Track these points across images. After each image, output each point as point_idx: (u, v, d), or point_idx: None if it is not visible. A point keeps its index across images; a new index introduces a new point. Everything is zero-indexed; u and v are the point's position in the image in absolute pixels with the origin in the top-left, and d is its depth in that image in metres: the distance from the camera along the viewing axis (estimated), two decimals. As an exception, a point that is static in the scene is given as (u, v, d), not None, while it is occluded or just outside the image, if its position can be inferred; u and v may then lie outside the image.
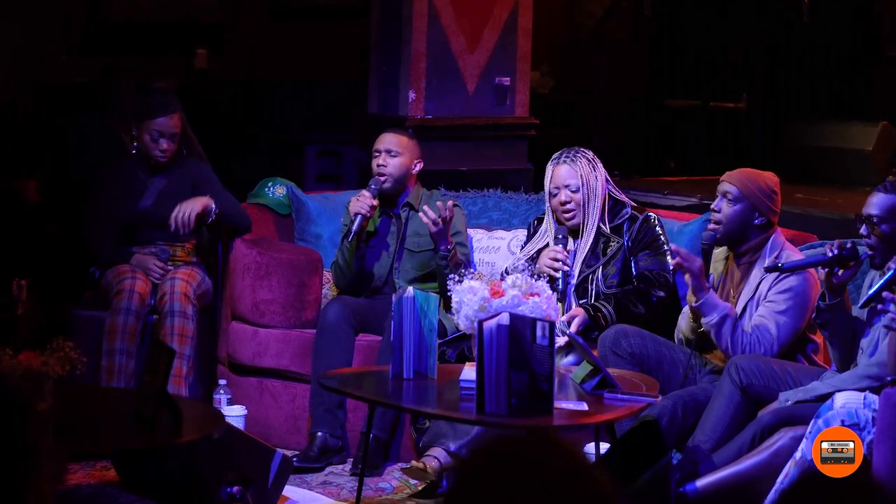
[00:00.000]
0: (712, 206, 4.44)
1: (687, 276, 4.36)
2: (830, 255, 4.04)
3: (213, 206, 5.02)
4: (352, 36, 7.67)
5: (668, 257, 4.76)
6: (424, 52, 5.85)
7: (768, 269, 4.26)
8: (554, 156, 4.83)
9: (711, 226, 4.44)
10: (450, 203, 4.90)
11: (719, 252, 4.55)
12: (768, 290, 4.35)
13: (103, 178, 5.22)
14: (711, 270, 4.50)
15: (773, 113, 8.53)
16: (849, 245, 4.06)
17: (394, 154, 5.03)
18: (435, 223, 4.82)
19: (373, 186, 4.99)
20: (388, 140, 5.06)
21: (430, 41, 5.84)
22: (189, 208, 4.97)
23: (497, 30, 5.95)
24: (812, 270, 4.29)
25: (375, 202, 4.96)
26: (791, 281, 4.31)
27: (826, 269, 4.05)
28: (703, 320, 4.32)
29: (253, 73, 8.11)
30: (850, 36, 8.54)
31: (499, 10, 5.94)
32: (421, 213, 4.92)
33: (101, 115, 6.81)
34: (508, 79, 5.99)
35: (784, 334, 4.31)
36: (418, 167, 5.09)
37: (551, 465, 1.72)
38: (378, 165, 5.02)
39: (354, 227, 4.92)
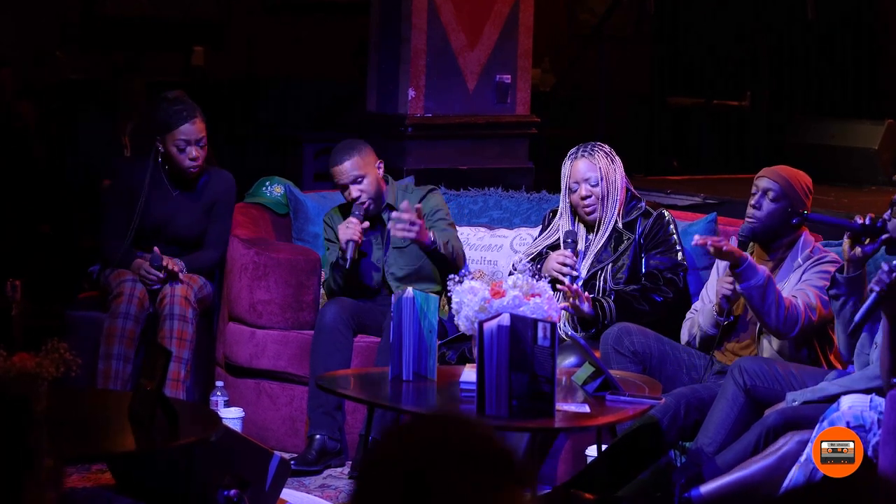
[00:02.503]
0: (752, 203, 4.41)
1: (726, 256, 4.29)
2: (860, 222, 4.01)
3: (184, 270, 4.97)
4: (350, 33, 7.64)
5: (680, 255, 4.72)
6: (424, 50, 5.81)
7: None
8: (571, 151, 4.79)
9: (749, 220, 4.40)
10: (416, 206, 4.77)
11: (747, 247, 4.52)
12: (805, 270, 4.34)
13: (126, 181, 5.11)
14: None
15: (777, 111, 8.49)
16: (879, 221, 4.02)
17: (360, 179, 4.91)
18: (408, 228, 4.72)
19: (357, 213, 4.89)
20: (347, 169, 4.89)
21: (429, 38, 5.80)
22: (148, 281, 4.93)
23: (498, 26, 5.91)
24: None
25: (365, 224, 4.89)
26: (829, 264, 4.31)
27: (851, 238, 4.02)
28: (742, 285, 4.22)
29: (250, 71, 8.08)
30: (855, 33, 8.49)
31: (499, 7, 5.90)
32: (391, 226, 4.78)
33: (101, 115, 6.77)
34: (509, 76, 5.95)
35: (820, 304, 4.26)
36: (381, 168, 4.99)
37: (451, 441, 1.70)
38: (354, 199, 4.89)
39: (349, 254, 4.82)
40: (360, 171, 4.91)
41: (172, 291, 4.91)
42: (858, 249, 4.01)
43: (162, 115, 5.04)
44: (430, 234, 4.81)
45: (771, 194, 4.38)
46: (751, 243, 4.46)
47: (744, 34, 8.84)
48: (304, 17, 8.39)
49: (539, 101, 6.60)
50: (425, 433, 1.72)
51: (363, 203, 4.90)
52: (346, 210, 5.02)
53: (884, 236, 4.01)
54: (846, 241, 4.04)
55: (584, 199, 4.71)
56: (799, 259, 4.35)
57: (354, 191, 4.89)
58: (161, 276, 4.95)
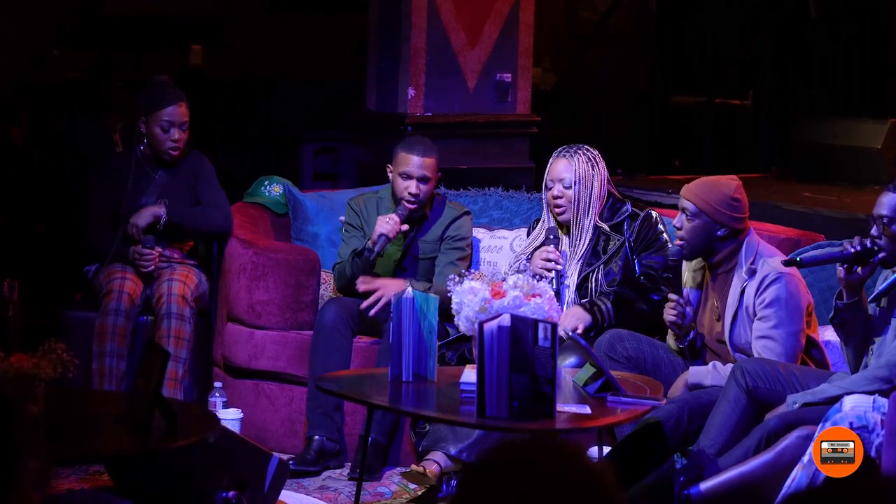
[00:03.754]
0: (674, 223, 4.37)
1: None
2: (853, 250, 3.97)
3: (164, 214, 4.98)
4: (350, 32, 7.61)
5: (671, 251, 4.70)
6: (424, 48, 5.78)
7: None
8: (557, 150, 4.78)
9: (677, 242, 4.36)
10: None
11: (695, 262, 4.46)
12: (754, 300, 4.25)
13: (105, 174, 5.14)
14: (685, 282, 4.42)
15: (780, 110, 8.45)
16: (868, 243, 3.99)
17: (427, 180, 4.83)
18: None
19: (401, 212, 4.80)
20: (420, 164, 4.81)
21: (429, 37, 5.78)
22: (134, 222, 4.96)
23: (498, 25, 5.88)
24: (791, 270, 4.21)
25: (404, 227, 4.82)
26: (773, 291, 4.21)
27: (846, 266, 3.99)
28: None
29: (249, 70, 8.05)
30: (859, 31, 8.45)
31: (500, 5, 5.87)
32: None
33: (94, 113, 6.74)
34: (510, 75, 5.92)
35: (790, 345, 4.23)
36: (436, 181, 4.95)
37: (559, 472, 1.71)
38: (410, 193, 4.81)
39: (377, 247, 4.75)
40: (431, 173, 4.84)
41: (169, 290, 4.90)
42: (854, 277, 3.98)
43: (148, 96, 5.10)
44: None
45: (687, 213, 4.32)
46: (697, 262, 4.40)
47: (746, 33, 8.80)
48: (303, 15, 8.35)
49: (540, 100, 6.56)
50: (545, 463, 1.73)
51: (412, 206, 4.82)
52: (375, 203, 4.95)
53: (879, 256, 3.99)
54: (840, 270, 4.01)
55: (555, 198, 4.71)
56: (744, 272, 4.27)
57: (414, 187, 4.81)
58: (153, 255, 4.94)
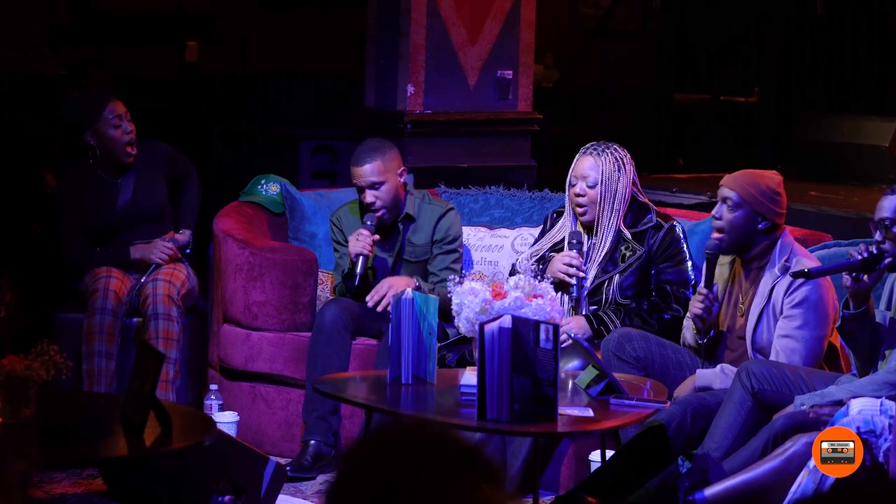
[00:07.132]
0: (713, 213, 4.30)
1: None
2: (860, 257, 3.92)
3: (189, 239, 5.09)
4: (348, 27, 7.57)
5: (690, 271, 4.63)
6: (423, 44, 5.74)
7: (795, 275, 4.11)
8: (585, 146, 4.68)
9: (715, 234, 4.29)
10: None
11: (726, 257, 4.41)
12: (783, 300, 4.21)
13: (69, 192, 5.09)
14: (717, 278, 4.36)
15: (785, 107, 8.41)
16: (874, 249, 3.94)
17: (377, 185, 4.76)
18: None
19: (369, 223, 4.74)
20: (366, 173, 4.73)
21: (429, 33, 5.73)
22: (162, 256, 5.01)
23: (499, 21, 5.84)
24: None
25: (376, 237, 4.75)
26: (803, 291, 4.17)
27: (853, 275, 3.93)
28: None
29: (245, 66, 8.01)
30: (865, 28, 8.40)
31: (501, 1, 5.83)
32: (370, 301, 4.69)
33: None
34: (511, 72, 5.88)
35: (812, 348, 4.19)
36: (403, 176, 4.85)
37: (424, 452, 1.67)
38: (367, 203, 4.75)
39: (359, 269, 4.68)
40: (378, 177, 4.75)
41: (154, 290, 4.88)
42: (861, 285, 3.94)
43: (83, 107, 5.07)
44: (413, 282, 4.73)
45: (729, 202, 4.26)
46: (732, 257, 4.35)
47: (752, 29, 8.76)
48: (300, 10, 8.32)
49: (542, 97, 6.52)
50: (393, 443, 1.69)
51: (377, 211, 4.77)
52: (358, 210, 4.91)
53: (885, 262, 3.94)
54: (847, 279, 3.96)
55: (577, 196, 4.63)
56: (777, 269, 4.23)
57: (369, 196, 4.75)
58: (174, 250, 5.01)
